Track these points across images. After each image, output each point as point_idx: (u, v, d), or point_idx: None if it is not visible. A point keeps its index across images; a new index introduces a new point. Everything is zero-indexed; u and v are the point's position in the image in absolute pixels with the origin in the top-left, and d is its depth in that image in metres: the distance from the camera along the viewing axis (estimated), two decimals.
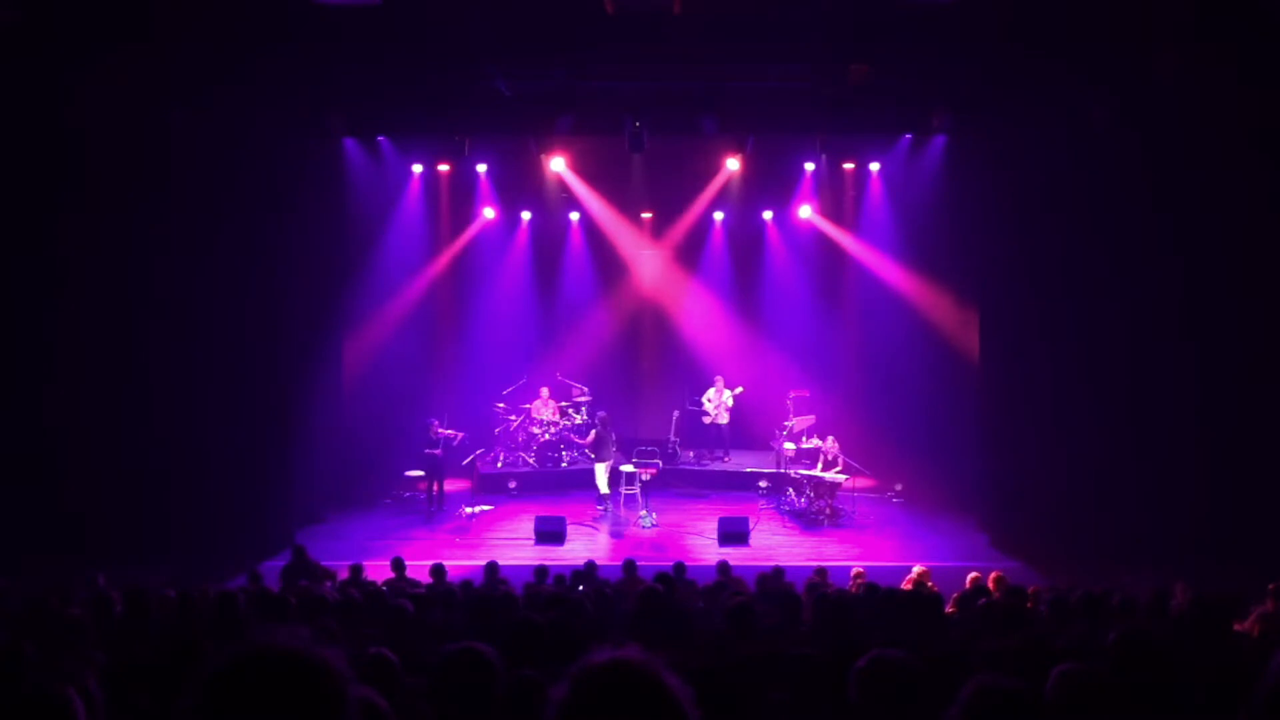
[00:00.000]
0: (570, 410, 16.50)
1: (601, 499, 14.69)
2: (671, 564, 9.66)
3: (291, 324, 13.36)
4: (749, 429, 17.04)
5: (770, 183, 17.20)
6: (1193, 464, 12.21)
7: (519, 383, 16.92)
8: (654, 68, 12.46)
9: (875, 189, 16.61)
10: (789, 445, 15.70)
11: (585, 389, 16.78)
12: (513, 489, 15.63)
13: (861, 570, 9.64)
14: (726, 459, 16.79)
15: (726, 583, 8.77)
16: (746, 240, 18.29)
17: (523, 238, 18.20)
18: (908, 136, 14.81)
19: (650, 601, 6.31)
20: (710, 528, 13.47)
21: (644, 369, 18.67)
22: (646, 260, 18.41)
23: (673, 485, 15.76)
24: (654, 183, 17.00)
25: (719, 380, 16.74)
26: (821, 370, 17.44)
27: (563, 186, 17.28)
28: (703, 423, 16.76)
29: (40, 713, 2.75)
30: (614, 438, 15.04)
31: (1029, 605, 7.48)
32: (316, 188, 13.88)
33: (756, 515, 14.15)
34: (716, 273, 18.42)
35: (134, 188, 12.19)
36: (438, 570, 9.41)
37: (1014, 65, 11.63)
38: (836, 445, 14.72)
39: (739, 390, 16.51)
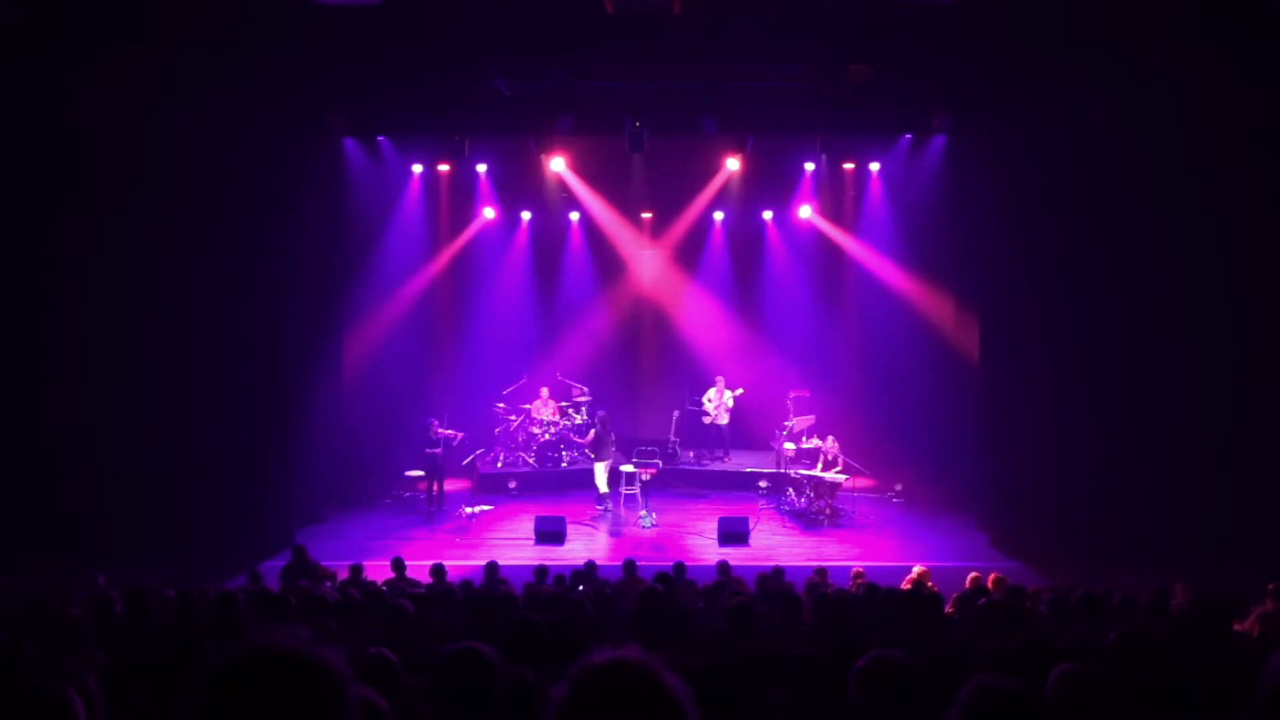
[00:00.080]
0: (570, 410, 16.50)
1: (601, 499, 14.70)
2: (671, 564, 9.66)
3: (291, 324, 13.35)
4: (749, 429, 17.03)
5: (770, 183, 17.19)
6: (1193, 464, 12.21)
7: (519, 383, 16.92)
8: (654, 68, 12.47)
9: (875, 189, 16.61)
10: (789, 445, 15.69)
11: (585, 389, 16.77)
12: (513, 489, 15.62)
13: (861, 570, 9.64)
14: (726, 459, 16.78)
15: (726, 583, 8.77)
16: (746, 240, 18.28)
17: (523, 238, 18.20)
18: (908, 136, 14.81)
19: (650, 601, 6.31)
20: (710, 528, 13.46)
21: (644, 369, 18.66)
22: (646, 260, 18.40)
23: (673, 485, 15.75)
24: (654, 183, 17.00)
25: (720, 380, 16.73)
26: (821, 370, 17.43)
27: (563, 186, 17.28)
28: (703, 423, 16.75)
29: (40, 713, 2.75)
30: (614, 438, 15.05)
31: (1029, 605, 7.46)
32: (316, 188, 13.87)
33: (756, 515, 14.14)
34: (716, 273, 18.40)
35: (134, 188, 12.20)
36: (438, 570, 9.41)
37: (1014, 65, 11.64)
38: (836, 445, 14.72)
39: (739, 391, 16.50)
